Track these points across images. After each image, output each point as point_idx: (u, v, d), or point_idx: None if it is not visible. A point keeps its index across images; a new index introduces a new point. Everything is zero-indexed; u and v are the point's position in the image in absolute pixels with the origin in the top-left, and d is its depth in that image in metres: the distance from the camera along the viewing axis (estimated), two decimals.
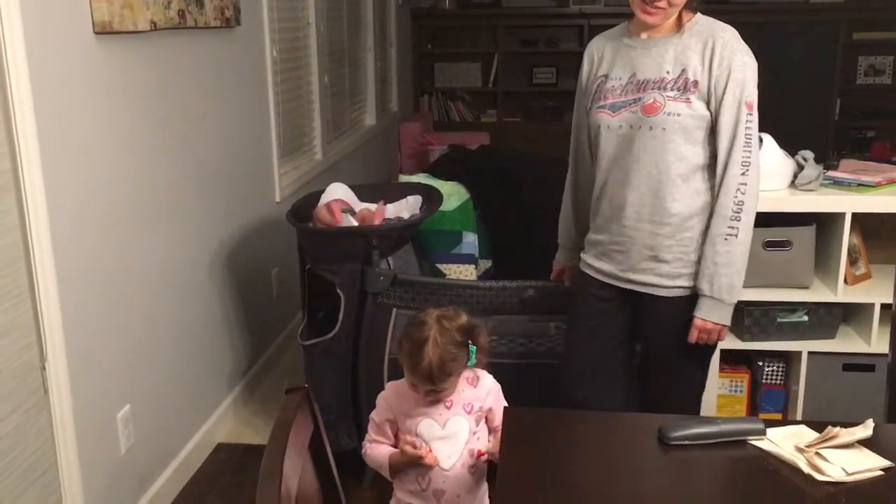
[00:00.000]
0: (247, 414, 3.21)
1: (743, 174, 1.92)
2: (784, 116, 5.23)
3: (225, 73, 3.09)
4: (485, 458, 1.82)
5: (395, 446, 1.84)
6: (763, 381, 2.86)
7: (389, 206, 3.06)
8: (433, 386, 1.72)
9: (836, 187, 2.66)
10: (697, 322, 1.98)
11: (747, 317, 2.71)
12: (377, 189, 3.20)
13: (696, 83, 1.93)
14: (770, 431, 1.56)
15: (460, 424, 1.80)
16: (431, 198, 3.01)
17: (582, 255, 2.21)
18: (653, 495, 1.42)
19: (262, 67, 3.50)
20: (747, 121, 1.92)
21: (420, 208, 3.00)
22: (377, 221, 2.81)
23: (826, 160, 2.78)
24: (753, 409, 2.88)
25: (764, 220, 2.65)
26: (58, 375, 2.05)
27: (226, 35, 3.08)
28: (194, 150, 2.83)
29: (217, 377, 3.06)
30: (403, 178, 3.47)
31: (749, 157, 1.93)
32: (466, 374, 1.83)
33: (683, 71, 1.94)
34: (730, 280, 1.96)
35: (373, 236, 2.62)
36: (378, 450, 1.85)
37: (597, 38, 2.17)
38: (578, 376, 2.17)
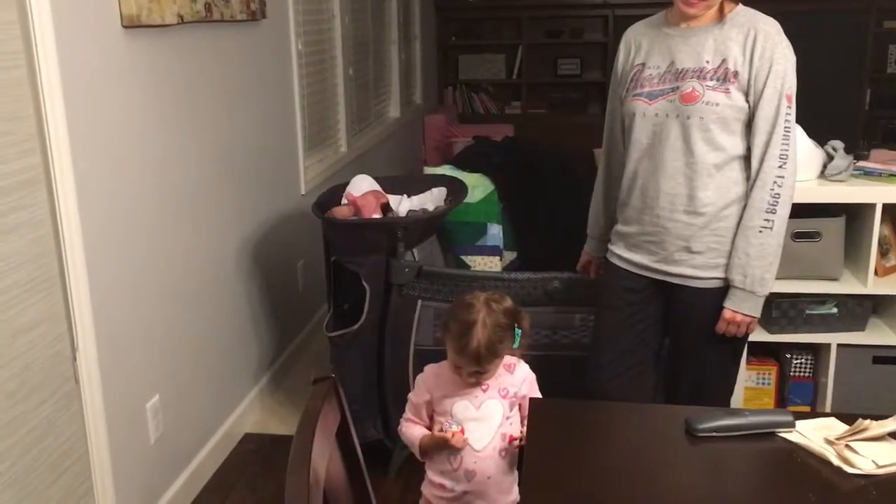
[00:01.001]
0: (273, 404, 3.24)
1: (780, 167, 1.91)
2: (813, 106, 5.15)
3: (251, 66, 3.11)
4: (517, 443, 1.84)
5: (429, 428, 1.86)
6: (791, 373, 2.83)
7: (414, 197, 3.07)
8: (479, 367, 1.75)
9: (867, 178, 2.62)
10: (727, 313, 1.97)
11: (775, 309, 2.68)
12: (402, 181, 3.21)
13: (735, 74, 1.91)
14: (799, 423, 1.54)
15: (494, 408, 1.82)
16: (456, 190, 3.01)
17: (610, 246, 2.20)
18: (680, 487, 1.41)
19: (287, 60, 3.51)
20: (787, 113, 1.90)
21: (445, 200, 3.00)
22: (368, 214, 2.80)
23: (856, 150, 2.74)
24: (781, 402, 2.85)
25: (793, 211, 2.60)
26: (88, 366, 2.07)
27: (252, 28, 3.09)
28: (221, 142, 2.85)
29: (244, 368, 3.09)
30: (428, 170, 3.47)
31: (787, 150, 1.91)
32: (505, 360, 1.85)
33: (724, 61, 1.92)
34: (762, 272, 1.94)
35: (398, 228, 2.63)
36: (411, 429, 1.87)
37: (634, 26, 2.15)
38: (607, 368, 2.16)
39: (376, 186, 3.04)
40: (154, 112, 2.39)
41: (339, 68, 4.25)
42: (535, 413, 1.65)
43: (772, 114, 1.90)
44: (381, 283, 2.64)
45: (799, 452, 1.48)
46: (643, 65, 2.05)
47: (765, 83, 1.89)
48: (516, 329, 1.79)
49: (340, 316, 2.84)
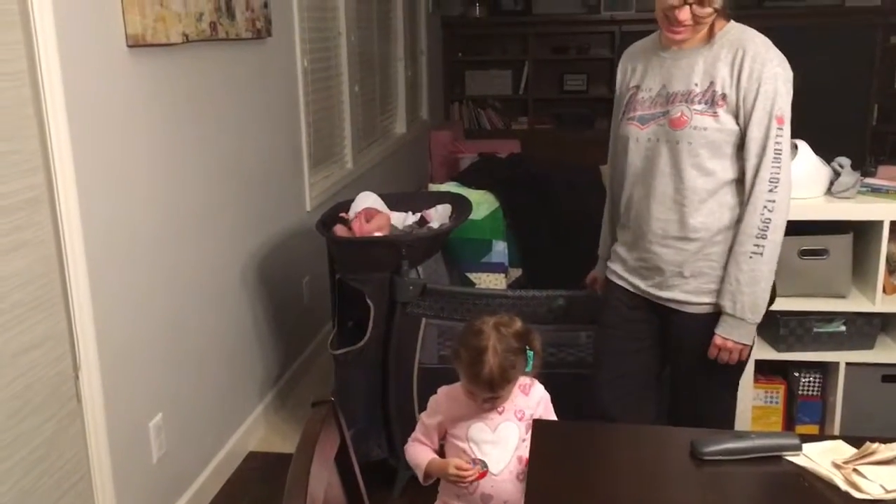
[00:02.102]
0: (278, 422, 3.22)
1: (771, 191, 1.87)
2: (820, 122, 5.15)
3: (256, 83, 3.12)
4: None
5: (438, 450, 1.84)
6: (799, 392, 2.80)
7: (419, 214, 3.06)
8: (493, 393, 1.73)
9: (874, 195, 2.61)
10: (718, 340, 1.94)
11: (783, 326, 2.66)
12: (407, 198, 3.21)
13: (724, 96, 1.88)
14: (806, 447, 1.52)
15: (510, 430, 1.80)
16: (461, 207, 3.01)
17: (609, 264, 2.19)
18: None
19: (293, 78, 3.52)
20: (777, 136, 1.86)
21: (449, 217, 2.99)
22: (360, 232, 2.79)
23: (863, 167, 2.73)
24: (789, 421, 2.82)
25: (800, 228, 2.61)
26: (91, 384, 2.07)
27: (257, 46, 3.10)
28: (226, 160, 2.85)
29: (248, 386, 3.08)
30: (433, 187, 3.47)
31: (778, 174, 1.87)
32: (519, 381, 1.84)
33: (712, 83, 1.89)
34: (753, 299, 1.91)
35: (402, 246, 2.62)
36: (418, 451, 1.85)
37: (632, 47, 2.13)
38: (606, 388, 2.14)
39: (380, 203, 3.04)
40: (158, 131, 2.39)
41: (344, 85, 4.27)
42: (539, 434, 1.63)
43: (761, 136, 1.86)
44: (386, 300, 2.63)
45: (806, 476, 1.46)
46: (637, 87, 2.03)
47: (753, 105, 1.85)
48: (528, 351, 1.77)
49: (345, 333, 2.83)
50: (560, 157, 5.54)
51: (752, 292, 1.90)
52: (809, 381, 2.79)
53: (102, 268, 2.10)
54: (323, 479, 1.03)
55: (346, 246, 2.74)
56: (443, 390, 1.88)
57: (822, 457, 1.49)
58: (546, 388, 1.93)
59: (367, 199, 3.04)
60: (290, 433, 3.14)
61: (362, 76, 4.61)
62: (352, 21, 4.32)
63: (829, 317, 2.66)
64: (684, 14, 1.86)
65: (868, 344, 2.69)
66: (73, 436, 2.04)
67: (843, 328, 2.67)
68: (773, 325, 2.67)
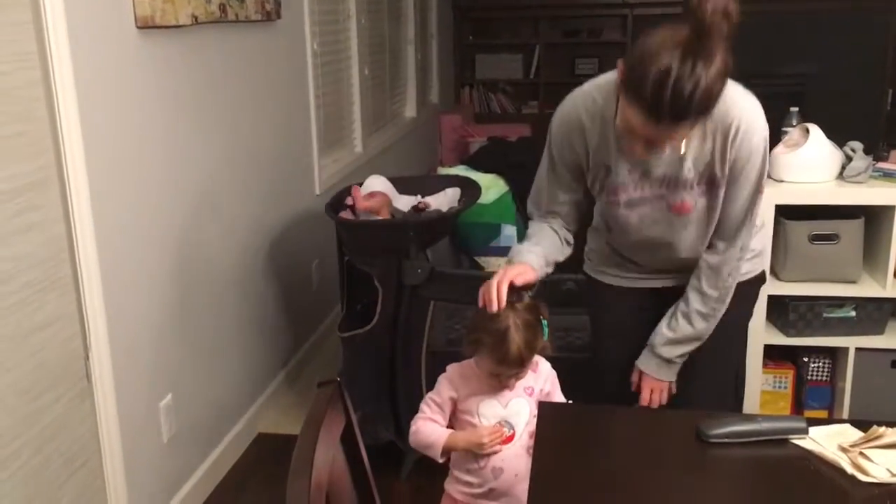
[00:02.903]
0: (287, 404, 3.24)
1: (740, 259, 1.84)
2: (833, 107, 5.11)
3: (266, 66, 3.11)
4: None
5: (450, 427, 1.85)
6: (808, 377, 2.79)
7: (428, 198, 3.06)
8: (522, 368, 1.75)
9: (886, 179, 2.58)
10: (638, 377, 1.94)
11: (792, 311, 2.65)
12: (416, 181, 3.20)
13: (720, 176, 1.73)
14: (812, 430, 1.52)
15: (521, 405, 1.81)
16: (469, 190, 3.00)
17: (604, 270, 2.07)
18: (690, 493, 1.39)
19: (302, 60, 3.52)
20: (757, 204, 1.79)
21: (458, 201, 2.99)
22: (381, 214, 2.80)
23: (876, 151, 2.70)
24: (798, 406, 2.82)
25: (810, 213, 2.59)
26: (101, 365, 2.08)
27: (267, 28, 3.09)
28: (235, 143, 2.85)
29: (257, 368, 3.09)
30: (442, 171, 3.47)
31: (748, 241, 1.84)
32: None
33: (708, 165, 1.73)
34: (685, 349, 1.89)
35: (410, 229, 2.62)
36: (432, 429, 1.83)
37: (576, 108, 1.78)
38: (617, 372, 2.12)
39: (389, 186, 3.04)
40: (168, 112, 2.39)
41: (354, 68, 4.26)
42: (545, 416, 1.64)
43: (743, 208, 1.77)
44: (394, 283, 2.63)
45: (812, 460, 1.46)
46: (608, 168, 1.79)
47: (739, 176, 1.73)
48: (543, 321, 1.79)
49: (354, 316, 2.84)
50: None
51: (691, 346, 1.89)
52: (819, 367, 2.79)
53: (113, 249, 2.12)
54: (328, 459, 1.04)
55: (354, 229, 2.74)
56: (452, 367, 1.88)
57: (828, 440, 1.49)
58: (557, 372, 1.93)
59: (377, 183, 3.04)
60: (299, 415, 3.16)
61: (372, 59, 4.60)
62: (362, 4, 4.30)
63: (840, 302, 2.65)
64: (640, 151, 1.65)
65: (878, 329, 2.68)
66: (83, 415, 2.06)
67: (853, 313, 2.65)
68: (783, 311, 2.66)
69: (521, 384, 1.82)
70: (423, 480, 2.56)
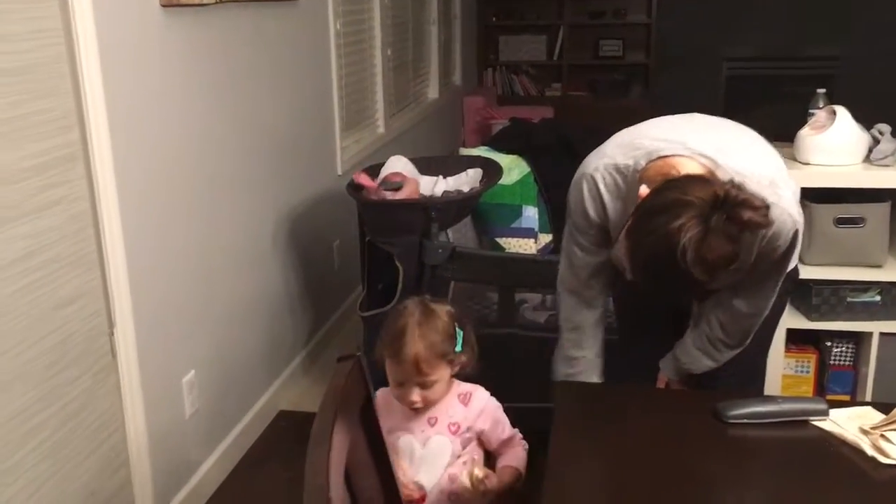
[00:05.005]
0: (307, 383, 3.27)
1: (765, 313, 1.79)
2: (861, 89, 5.04)
3: (288, 45, 3.12)
4: (482, 487, 1.61)
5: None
6: (831, 362, 2.77)
7: (450, 178, 3.06)
8: (419, 376, 1.58)
9: None
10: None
11: (816, 296, 2.63)
12: (437, 162, 3.20)
13: (746, 266, 1.59)
14: (833, 412, 1.51)
15: (442, 445, 1.65)
16: (491, 171, 3.00)
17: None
18: (707, 472, 1.39)
19: (325, 40, 3.52)
20: (780, 280, 1.74)
21: (480, 182, 2.98)
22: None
23: None
24: (820, 391, 2.80)
25: (836, 195, 2.56)
26: (125, 340, 2.11)
27: (289, 8, 3.09)
28: (258, 122, 2.87)
29: (279, 346, 3.12)
30: (464, 152, 3.46)
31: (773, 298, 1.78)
32: (459, 389, 1.70)
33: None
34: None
35: (432, 209, 2.63)
36: None
37: (595, 184, 1.69)
38: (634, 356, 2.10)
39: (411, 167, 3.04)
40: (192, 90, 2.41)
41: (377, 49, 4.25)
42: (563, 394, 1.64)
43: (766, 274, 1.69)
44: (415, 263, 2.64)
45: (832, 441, 1.45)
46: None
47: (766, 260, 1.61)
48: (458, 330, 1.63)
49: (375, 295, 2.85)
50: (594, 123, 5.47)
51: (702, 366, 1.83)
52: (842, 351, 2.76)
53: (136, 225, 2.14)
54: (347, 431, 1.05)
55: (376, 208, 2.75)
56: (381, 392, 1.69)
57: (849, 422, 1.48)
58: None
59: (398, 163, 3.04)
60: (319, 394, 3.15)
61: (395, 40, 4.59)
62: None
63: (864, 286, 2.62)
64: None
65: None
66: (107, 390, 2.09)
67: (877, 298, 2.63)
68: (806, 295, 2.64)
69: (444, 419, 1.66)
70: None
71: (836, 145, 2.54)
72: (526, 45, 7.25)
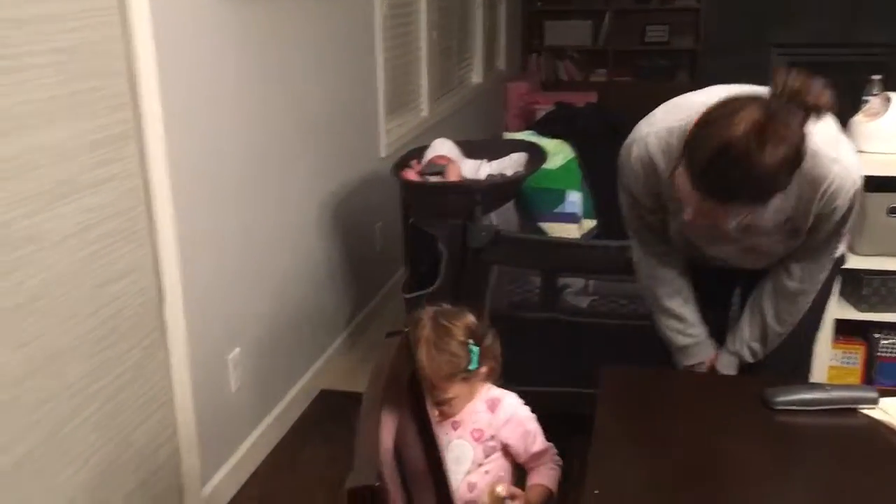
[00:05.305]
0: (349, 363, 3.30)
1: (816, 289, 1.76)
2: None
3: (335, 28, 3.13)
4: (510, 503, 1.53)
5: None
6: (879, 353, 2.72)
7: (494, 162, 3.06)
8: (434, 392, 1.51)
9: None
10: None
11: (866, 286, 2.58)
12: (481, 145, 3.20)
13: (802, 227, 1.63)
14: (883, 400, 1.49)
15: (463, 450, 1.59)
16: (535, 155, 2.99)
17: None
18: (753, 458, 1.38)
19: (371, 23, 3.53)
20: (840, 237, 1.71)
21: (524, 166, 2.98)
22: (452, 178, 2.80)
23: None
24: (868, 382, 2.75)
25: (888, 184, 2.51)
26: (174, 316, 2.15)
27: None
28: (304, 104, 2.89)
29: (321, 326, 3.15)
30: (508, 135, 3.45)
31: (829, 266, 1.75)
32: (488, 394, 1.64)
33: (788, 220, 1.62)
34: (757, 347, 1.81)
35: (475, 192, 2.63)
36: None
37: (648, 147, 1.66)
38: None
39: (455, 150, 3.05)
40: (242, 71, 2.44)
41: (422, 31, 4.25)
42: (610, 380, 1.63)
43: (827, 240, 1.67)
44: (458, 246, 2.65)
45: (881, 429, 1.43)
46: (680, 206, 1.62)
47: (825, 224, 1.62)
48: (473, 346, 1.55)
49: (417, 277, 2.86)
50: (639, 109, 5.42)
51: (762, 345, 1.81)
52: (891, 343, 2.71)
53: (187, 203, 2.17)
54: (395, 404, 1.06)
55: (420, 191, 2.76)
56: None
57: None
58: (617, 340, 1.85)
59: (443, 146, 3.05)
60: (360, 374, 3.21)
61: (440, 24, 4.58)
62: None
63: None
64: (695, 218, 1.50)
65: None
66: (156, 364, 2.13)
67: None
68: (856, 285, 2.60)
69: (468, 425, 1.59)
70: None
71: (890, 133, 2.48)
72: (571, 30, 7.19)
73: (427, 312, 1.56)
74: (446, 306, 1.56)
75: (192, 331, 2.22)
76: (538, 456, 1.63)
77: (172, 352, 2.18)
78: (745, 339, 1.80)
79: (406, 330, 1.19)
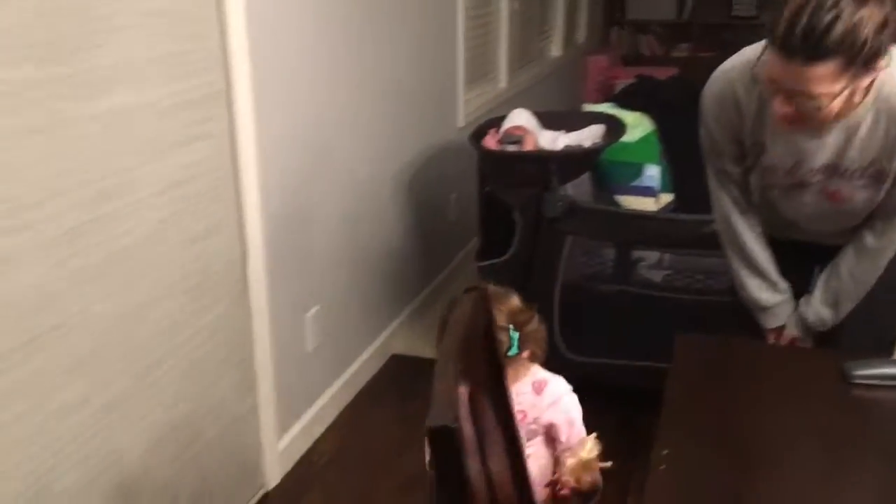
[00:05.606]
0: (421, 329, 3.35)
1: None
2: None
3: None
4: (563, 490, 1.47)
5: None
6: None
7: (572, 133, 3.05)
8: None
9: None
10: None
11: None
12: (560, 117, 3.19)
13: (887, 170, 1.58)
14: None
15: None
16: (613, 128, 2.97)
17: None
18: (827, 431, 1.37)
19: None
20: None
21: (602, 138, 2.96)
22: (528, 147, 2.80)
23: None
24: None
25: None
26: (257, 273, 2.23)
27: None
28: (385, 73, 2.93)
29: (395, 291, 3.21)
30: (587, 107, 3.43)
31: None
32: (535, 376, 1.60)
33: (872, 162, 1.58)
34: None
35: (552, 162, 2.63)
36: None
37: (731, 83, 1.65)
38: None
39: (533, 121, 3.05)
40: (326, 37, 2.49)
41: (503, 3, 4.23)
42: (683, 348, 1.63)
43: None
44: (533, 216, 2.66)
45: None
46: (763, 146, 1.66)
47: None
48: (513, 332, 1.51)
49: (491, 247, 2.89)
50: None
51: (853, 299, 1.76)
52: None
53: (272, 165, 2.24)
54: (471, 356, 1.09)
55: (496, 159, 2.77)
56: None
57: None
58: (693, 315, 1.82)
59: (521, 117, 3.05)
60: (431, 341, 3.23)
61: None
62: None
63: None
64: (783, 108, 1.48)
65: None
66: (239, 318, 2.22)
67: None
68: None
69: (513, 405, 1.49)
70: None
71: None
72: (654, 2, 7.04)
73: (469, 295, 1.43)
74: (492, 287, 1.51)
75: (272, 287, 2.30)
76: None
77: (253, 309, 2.26)
78: (817, 301, 1.78)
79: (485, 287, 1.22)
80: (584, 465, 1.33)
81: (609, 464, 1.33)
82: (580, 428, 1.55)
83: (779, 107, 1.48)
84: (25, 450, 1.56)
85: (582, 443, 1.44)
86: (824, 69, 1.38)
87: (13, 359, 1.51)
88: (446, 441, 0.86)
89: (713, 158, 1.78)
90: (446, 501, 0.93)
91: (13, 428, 1.53)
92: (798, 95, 1.44)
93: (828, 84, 1.40)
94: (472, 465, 0.94)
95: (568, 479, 1.33)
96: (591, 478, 1.35)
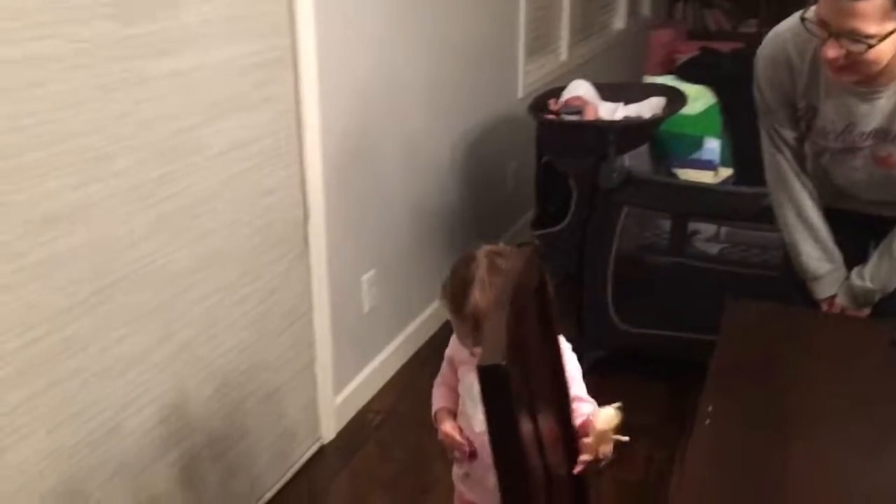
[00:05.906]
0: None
1: None
2: None
3: None
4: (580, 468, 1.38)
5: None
6: None
7: (631, 105, 3.04)
8: (478, 333, 1.40)
9: None
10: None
11: None
12: (620, 88, 3.18)
13: None
14: None
15: None
16: (674, 99, 2.95)
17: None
18: (878, 400, 1.38)
19: None
20: None
21: (662, 110, 2.95)
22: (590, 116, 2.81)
23: None
24: None
25: None
26: (317, 232, 2.30)
27: None
28: (446, 42, 2.96)
29: (451, 258, 3.23)
30: (648, 79, 3.41)
31: None
32: None
33: None
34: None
35: (610, 132, 2.64)
36: (435, 398, 1.61)
37: (784, 44, 1.69)
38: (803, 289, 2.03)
39: (592, 92, 3.05)
40: (390, 6, 2.53)
41: None
42: (731, 314, 1.64)
43: None
44: (589, 186, 2.67)
45: None
46: (816, 109, 1.68)
47: None
48: None
49: (547, 216, 2.91)
50: None
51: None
52: None
53: (333, 129, 2.30)
54: (522, 308, 1.13)
55: (555, 129, 2.79)
56: None
57: None
58: (747, 290, 1.79)
59: (580, 88, 3.06)
60: None
61: None
62: None
63: None
64: (833, 51, 1.51)
65: None
66: (299, 276, 2.30)
67: None
68: None
69: None
70: (602, 379, 2.63)
71: None
72: None
73: (482, 251, 1.47)
74: (503, 245, 1.49)
75: (331, 248, 2.37)
76: (578, 399, 1.49)
77: (313, 268, 2.33)
78: (868, 274, 1.77)
79: (536, 243, 1.26)
80: (600, 437, 1.31)
81: (626, 438, 1.30)
82: (581, 384, 1.51)
83: (829, 50, 1.50)
84: (100, 390, 1.66)
85: (599, 414, 1.38)
86: (872, 5, 1.42)
87: (91, 302, 1.61)
88: (496, 380, 0.91)
89: (767, 121, 1.80)
90: (496, 440, 0.98)
91: (89, 368, 1.63)
92: (847, 35, 1.46)
93: (876, 23, 1.43)
94: (519, 408, 0.99)
95: (587, 457, 1.32)
96: (607, 447, 1.33)
